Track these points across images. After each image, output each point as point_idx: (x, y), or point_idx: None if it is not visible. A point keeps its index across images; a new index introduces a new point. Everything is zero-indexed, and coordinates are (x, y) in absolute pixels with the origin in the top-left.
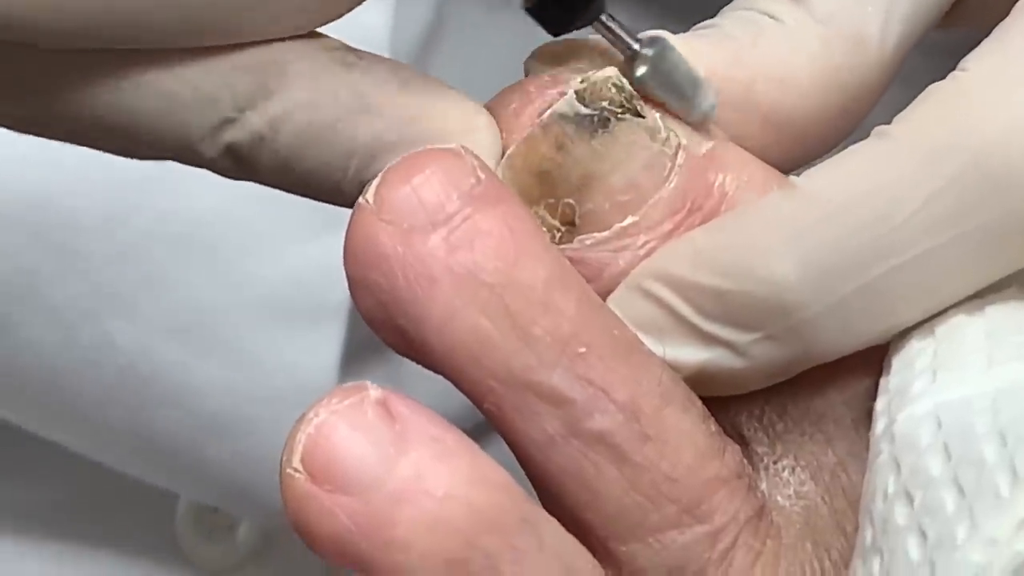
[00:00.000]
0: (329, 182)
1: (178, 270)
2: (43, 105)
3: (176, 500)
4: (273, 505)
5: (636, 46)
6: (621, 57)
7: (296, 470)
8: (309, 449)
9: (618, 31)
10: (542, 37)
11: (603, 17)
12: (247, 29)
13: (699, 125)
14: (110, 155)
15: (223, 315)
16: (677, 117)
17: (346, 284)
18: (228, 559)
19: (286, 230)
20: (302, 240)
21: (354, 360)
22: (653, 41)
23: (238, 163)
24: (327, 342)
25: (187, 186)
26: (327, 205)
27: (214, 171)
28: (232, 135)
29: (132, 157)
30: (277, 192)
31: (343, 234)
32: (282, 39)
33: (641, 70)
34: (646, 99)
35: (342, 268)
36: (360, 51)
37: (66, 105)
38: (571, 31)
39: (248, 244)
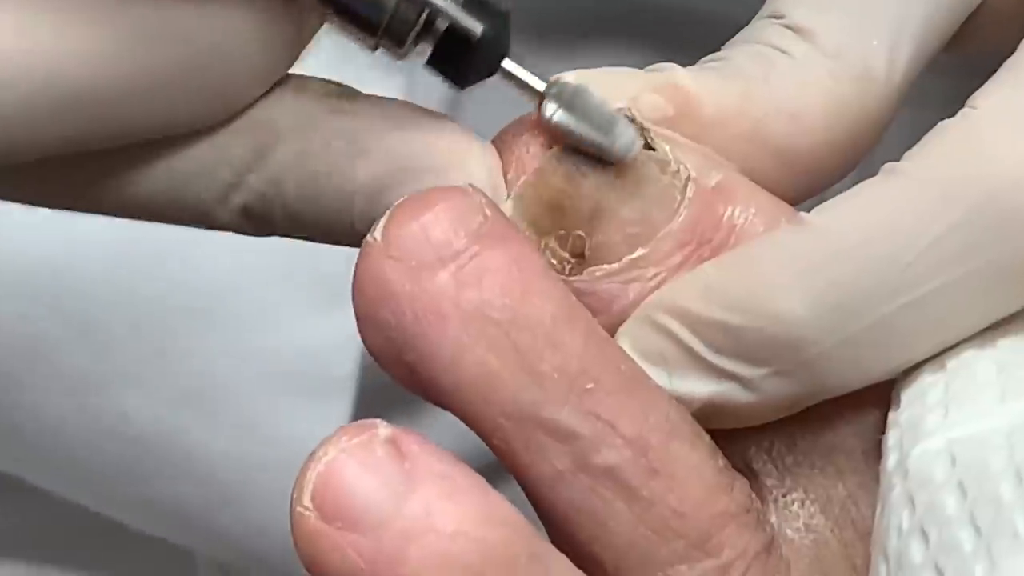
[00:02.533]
0: (340, 225)
1: (189, 341)
2: (76, 197)
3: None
4: (284, 567)
5: (541, 88)
6: (634, 91)
7: (306, 508)
8: (319, 487)
9: (522, 76)
10: None
11: (504, 64)
12: (186, 122)
13: (620, 162)
14: (125, 225)
15: (233, 386)
16: (596, 156)
17: (354, 357)
18: None
19: (295, 304)
20: (311, 314)
21: None
22: (561, 83)
23: (253, 221)
24: (335, 414)
25: (199, 257)
26: (335, 279)
27: (236, 232)
28: (240, 198)
29: (167, 223)
30: (286, 265)
31: (350, 309)
32: (271, 94)
33: (551, 110)
34: (560, 139)
35: (350, 340)
36: (351, 91)
37: (93, 195)
38: (473, 83)
39: (258, 317)
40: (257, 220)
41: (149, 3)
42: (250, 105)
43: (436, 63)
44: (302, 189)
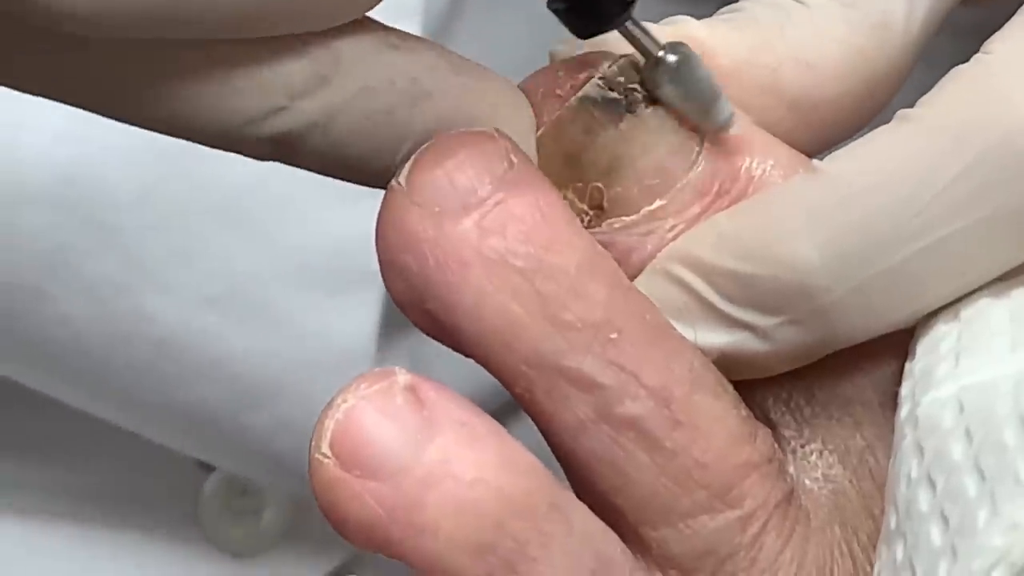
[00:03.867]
0: (378, 167)
1: (213, 240)
2: (115, 98)
3: (202, 482)
4: (303, 471)
5: (659, 53)
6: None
7: (325, 455)
8: (338, 435)
9: (642, 38)
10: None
11: (628, 24)
12: (306, 20)
13: (716, 135)
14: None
15: (259, 283)
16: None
17: None
18: (251, 541)
19: (323, 197)
20: (339, 207)
21: (392, 325)
22: (676, 48)
23: (279, 149)
24: (365, 308)
25: (220, 155)
26: None
27: (247, 155)
28: (281, 123)
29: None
30: None
31: (378, 200)
32: (340, 26)
33: (663, 79)
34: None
35: None
36: (400, 32)
37: (134, 98)
38: (596, 35)
39: (284, 212)
40: (283, 148)
41: None
42: (317, 32)
43: (563, 9)
44: (355, 125)
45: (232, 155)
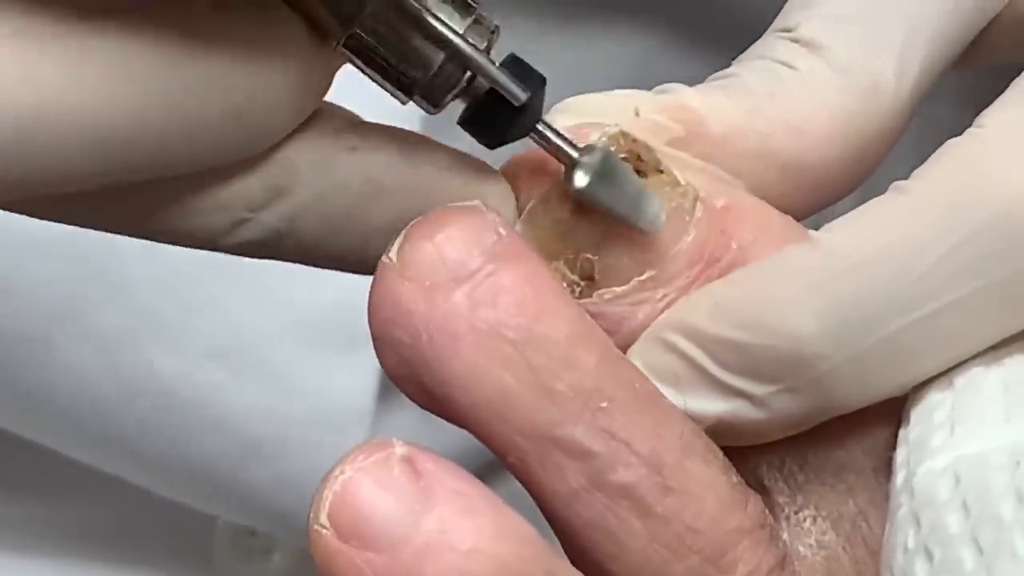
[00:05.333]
0: (353, 260)
1: (217, 295)
2: (89, 220)
3: (214, 521)
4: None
5: (575, 154)
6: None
7: (323, 526)
8: (336, 506)
9: (555, 139)
10: (577, 87)
11: (539, 126)
12: (208, 161)
13: (646, 235)
14: None
15: (262, 339)
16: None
17: None
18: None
19: None
20: None
21: (392, 386)
22: (594, 151)
23: (255, 252)
24: (365, 366)
25: None
26: None
27: (244, 256)
28: (247, 233)
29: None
30: None
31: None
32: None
33: (582, 179)
34: (588, 209)
35: None
36: (365, 125)
37: (105, 220)
38: (506, 143)
39: (288, 269)
40: (264, 251)
41: (191, 56)
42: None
43: (471, 122)
44: (315, 229)
45: None
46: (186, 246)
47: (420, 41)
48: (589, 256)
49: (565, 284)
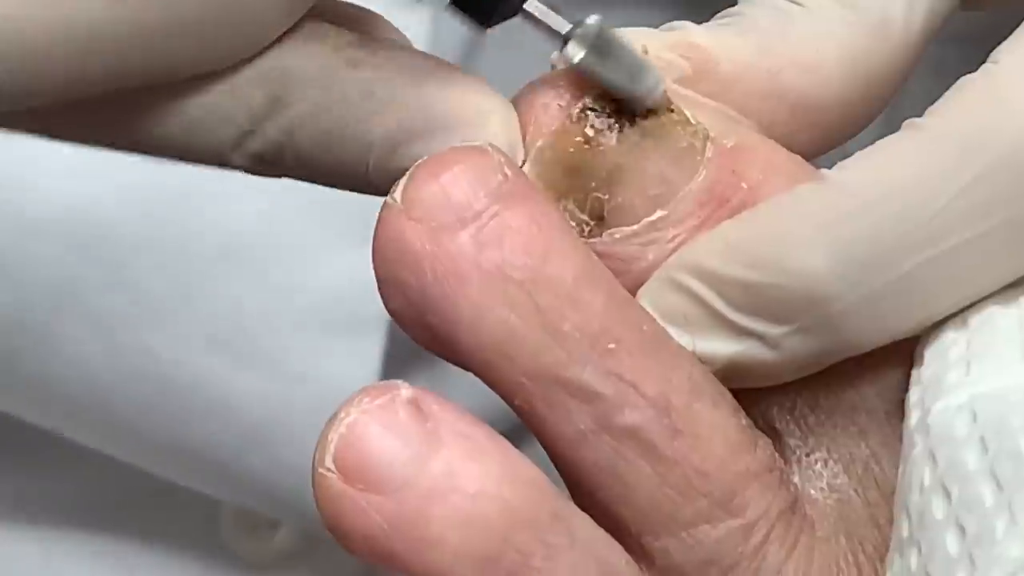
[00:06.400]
0: (354, 175)
1: (218, 281)
2: (92, 133)
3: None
4: (311, 509)
5: (567, 29)
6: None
7: (328, 469)
8: (341, 449)
9: (546, 18)
10: None
11: (526, 5)
12: (212, 59)
13: (645, 105)
14: (153, 166)
15: (263, 326)
16: (619, 99)
17: None
18: (271, 554)
19: (326, 241)
20: (342, 250)
21: (394, 370)
22: (587, 24)
23: (267, 166)
24: (367, 352)
25: (227, 196)
26: (367, 216)
27: (251, 173)
28: (254, 145)
29: (182, 162)
30: (317, 203)
31: None
32: (288, 44)
33: (575, 52)
34: (587, 82)
35: None
36: (374, 43)
37: (108, 132)
38: (496, 23)
39: (288, 254)
40: (270, 165)
41: None
42: (267, 53)
43: (460, 2)
44: (317, 140)
45: (237, 196)
46: (196, 161)
47: None
48: (599, 195)
49: (574, 223)
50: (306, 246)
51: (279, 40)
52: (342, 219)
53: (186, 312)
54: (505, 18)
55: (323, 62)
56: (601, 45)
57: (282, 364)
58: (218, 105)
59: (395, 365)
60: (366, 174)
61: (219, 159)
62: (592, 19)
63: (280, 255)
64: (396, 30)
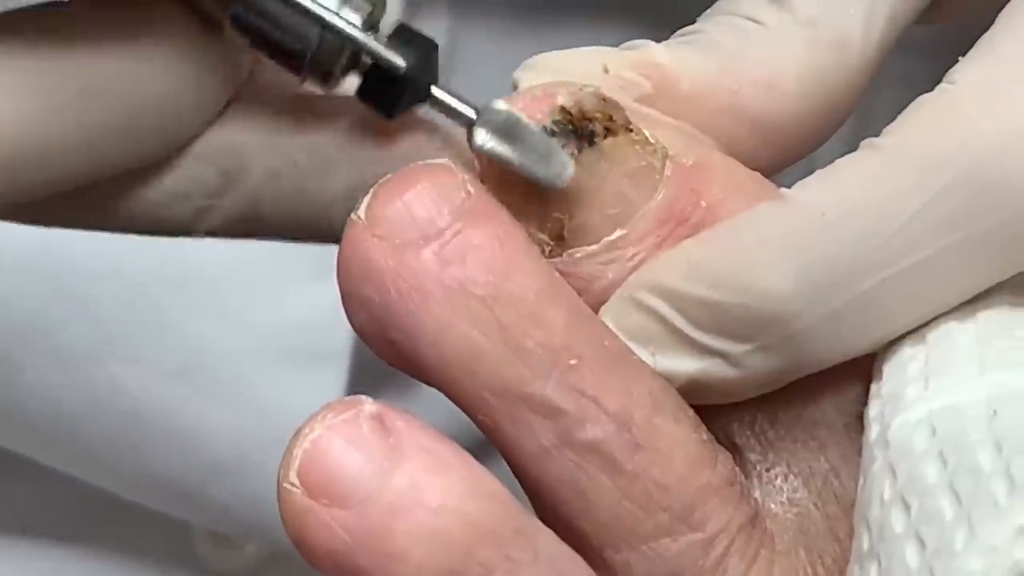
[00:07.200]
0: (319, 229)
1: (181, 314)
2: (63, 221)
3: None
4: (277, 537)
5: (472, 115)
6: (611, 69)
7: (293, 484)
8: (305, 464)
9: (451, 103)
10: None
11: (434, 91)
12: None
13: (555, 187)
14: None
15: (225, 358)
16: (527, 182)
17: (347, 328)
18: (243, 566)
19: (288, 274)
20: (304, 283)
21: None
22: (493, 110)
23: (235, 232)
24: (330, 384)
25: None
26: (327, 249)
27: (220, 237)
28: (215, 218)
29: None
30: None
31: None
32: (229, 118)
33: (481, 138)
34: (492, 168)
35: (342, 313)
36: (314, 100)
37: (78, 220)
38: (402, 111)
39: (250, 288)
40: (239, 232)
41: (74, 64)
42: (212, 131)
43: (364, 94)
44: (276, 205)
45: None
46: (166, 235)
47: (296, 18)
48: (559, 215)
49: (535, 244)
50: (267, 279)
51: (222, 116)
52: (302, 252)
53: (150, 345)
54: (411, 105)
55: (267, 130)
56: (508, 130)
57: (245, 396)
58: (173, 188)
59: (361, 392)
60: (331, 228)
61: (187, 232)
62: (499, 104)
63: (242, 289)
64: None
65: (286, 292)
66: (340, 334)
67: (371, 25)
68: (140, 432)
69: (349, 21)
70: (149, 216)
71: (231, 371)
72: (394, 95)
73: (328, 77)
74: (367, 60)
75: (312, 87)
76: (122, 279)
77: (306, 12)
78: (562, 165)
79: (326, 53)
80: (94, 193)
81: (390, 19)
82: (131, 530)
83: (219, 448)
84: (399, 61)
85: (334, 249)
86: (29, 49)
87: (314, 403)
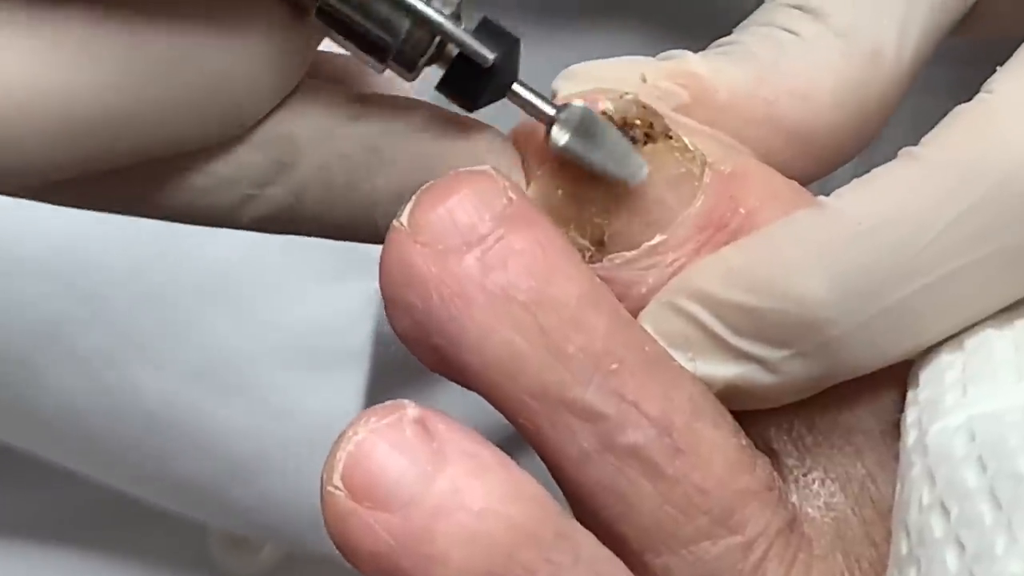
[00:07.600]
0: (362, 229)
1: (200, 316)
2: (103, 204)
3: None
4: (297, 539)
5: (553, 112)
6: (649, 78)
7: (336, 487)
8: (349, 467)
9: (532, 99)
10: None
11: (515, 87)
12: (201, 138)
13: (630, 187)
14: None
15: (245, 360)
16: (603, 182)
17: (366, 329)
18: (258, 569)
19: (307, 275)
20: (323, 285)
21: (380, 399)
22: (571, 108)
23: (276, 226)
24: (349, 386)
25: (208, 233)
26: (348, 250)
27: (261, 231)
28: (260, 208)
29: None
30: (297, 238)
31: (364, 279)
32: (287, 107)
33: (561, 136)
34: (570, 166)
35: (363, 312)
36: (370, 97)
37: (118, 204)
38: (484, 105)
39: (270, 289)
40: (279, 225)
41: (161, 35)
42: (268, 119)
43: (447, 86)
44: (322, 200)
45: (219, 232)
46: (204, 224)
47: (386, 8)
48: (599, 221)
49: (575, 248)
50: (286, 281)
51: (278, 105)
52: (322, 254)
53: (170, 348)
54: (492, 102)
55: (322, 122)
56: (585, 129)
57: (265, 399)
58: (222, 173)
59: (381, 394)
60: (375, 228)
61: (227, 222)
62: (577, 103)
63: (261, 291)
64: (391, 82)
65: (306, 293)
66: (360, 335)
67: (457, 17)
68: (160, 434)
69: (440, 11)
70: (190, 203)
71: (249, 373)
72: (478, 88)
73: (411, 68)
74: (452, 52)
75: (396, 75)
76: (141, 282)
77: (398, 3)
78: (637, 165)
79: (413, 44)
80: (137, 174)
81: None
82: (145, 533)
83: (239, 449)
84: (488, 54)
85: (354, 248)
86: (114, 16)
87: (334, 404)
